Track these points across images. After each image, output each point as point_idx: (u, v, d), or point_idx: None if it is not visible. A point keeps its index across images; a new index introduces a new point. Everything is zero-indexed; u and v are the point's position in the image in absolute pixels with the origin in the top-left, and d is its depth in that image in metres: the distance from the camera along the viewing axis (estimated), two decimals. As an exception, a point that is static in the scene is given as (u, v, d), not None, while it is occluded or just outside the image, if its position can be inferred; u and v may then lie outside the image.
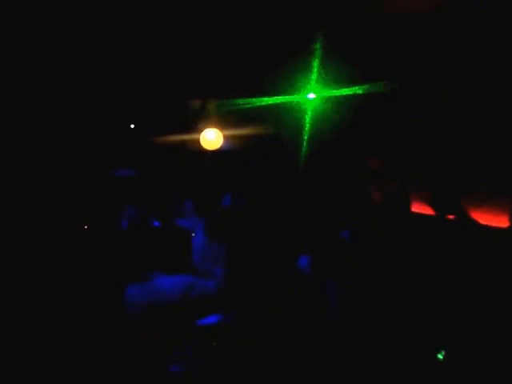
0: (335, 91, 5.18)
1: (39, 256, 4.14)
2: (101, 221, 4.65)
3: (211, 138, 5.24)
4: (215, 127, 5.31)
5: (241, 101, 5.40)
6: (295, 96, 5.35)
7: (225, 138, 5.26)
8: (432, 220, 3.76)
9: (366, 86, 4.86)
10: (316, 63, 4.89)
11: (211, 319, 3.28)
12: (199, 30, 4.66)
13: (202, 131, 5.33)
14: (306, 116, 5.41)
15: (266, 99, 5.28)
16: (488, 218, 3.84)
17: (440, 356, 3.23)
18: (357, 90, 4.96)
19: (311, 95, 5.40)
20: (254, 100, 5.35)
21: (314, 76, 5.13)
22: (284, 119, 5.41)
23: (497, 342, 2.87)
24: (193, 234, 4.49)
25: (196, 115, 5.58)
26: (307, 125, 5.41)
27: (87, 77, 4.99)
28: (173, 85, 5.24)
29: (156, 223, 4.62)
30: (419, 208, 3.93)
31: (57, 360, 3.24)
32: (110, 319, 3.15)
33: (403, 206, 3.75)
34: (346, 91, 5.06)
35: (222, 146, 5.28)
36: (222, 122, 5.35)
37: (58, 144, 5.19)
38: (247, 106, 5.36)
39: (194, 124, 5.46)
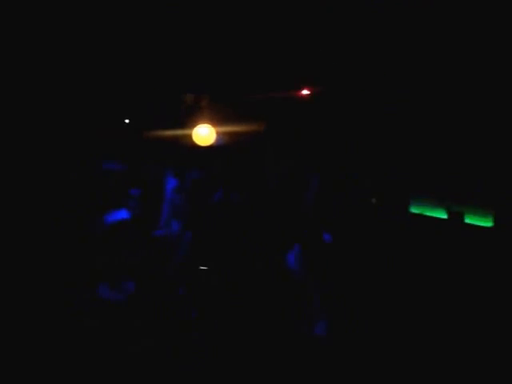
0: (328, 88, 5.22)
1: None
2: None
3: (204, 133, 5.28)
4: (208, 123, 5.34)
5: (234, 97, 5.44)
6: (288, 92, 5.38)
7: (218, 133, 5.29)
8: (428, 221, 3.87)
9: (361, 84, 4.92)
10: (310, 61, 4.93)
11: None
12: (194, 26, 4.68)
13: (195, 127, 5.37)
14: (300, 112, 5.46)
15: (259, 95, 5.31)
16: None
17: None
18: (351, 87, 5.01)
19: (304, 92, 5.44)
20: (248, 96, 5.38)
21: (306, 73, 5.17)
22: (277, 115, 5.45)
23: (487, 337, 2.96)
24: None
25: (189, 110, 5.62)
26: (300, 121, 5.47)
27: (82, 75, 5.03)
28: (166, 79, 5.27)
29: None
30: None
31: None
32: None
33: (396, 207, 3.82)
34: (339, 89, 5.11)
35: (215, 142, 5.31)
36: (215, 118, 5.38)
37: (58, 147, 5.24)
38: (241, 101, 5.40)
39: (187, 119, 5.49)
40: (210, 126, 5.30)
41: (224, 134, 5.40)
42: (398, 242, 3.69)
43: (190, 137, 5.30)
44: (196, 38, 4.77)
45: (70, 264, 4.05)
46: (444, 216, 3.98)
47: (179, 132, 5.43)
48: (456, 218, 3.83)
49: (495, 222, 3.78)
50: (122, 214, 4.11)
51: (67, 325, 3.26)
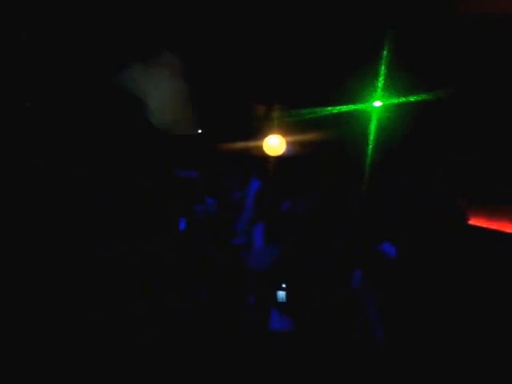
0: (401, 99, 5.09)
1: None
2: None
3: (274, 144, 5.35)
4: (279, 134, 5.41)
5: (305, 109, 5.45)
6: (360, 104, 5.31)
7: (288, 144, 5.34)
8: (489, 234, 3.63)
9: (432, 94, 4.76)
10: (382, 71, 4.85)
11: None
12: (266, 35, 4.79)
13: (265, 137, 5.45)
14: (371, 124, 5.36)
15: (330, 107, 5.29)
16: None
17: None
18: (423, 97, 4.85)
19: (376, 103, 5.33)
20: (319, 108, 5.37)
21: (379, 84, 5.08)
22: (348, 127, 5.39)
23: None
24: None
25: (260, 121, 5.70)
26: (372, 133, 5.36)
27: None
28: (237, 90, 5.40)
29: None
30: (477, 221, 3.80)
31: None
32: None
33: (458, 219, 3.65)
34: (412, 99, 4.96)
35: (284, 153, 5.36)
36: (286, 129, 5.43)
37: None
38: (312, 113, 5.41)
39: (258, 130, 5.58)
40: (280, 136, 5.37)
41: (294, 144, 5.42)
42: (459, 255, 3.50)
43: (260, 147, 5.39)
44: (269, 48, 4.87)
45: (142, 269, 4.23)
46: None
47: (250, 142, 5.53)
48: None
49: None
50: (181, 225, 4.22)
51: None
